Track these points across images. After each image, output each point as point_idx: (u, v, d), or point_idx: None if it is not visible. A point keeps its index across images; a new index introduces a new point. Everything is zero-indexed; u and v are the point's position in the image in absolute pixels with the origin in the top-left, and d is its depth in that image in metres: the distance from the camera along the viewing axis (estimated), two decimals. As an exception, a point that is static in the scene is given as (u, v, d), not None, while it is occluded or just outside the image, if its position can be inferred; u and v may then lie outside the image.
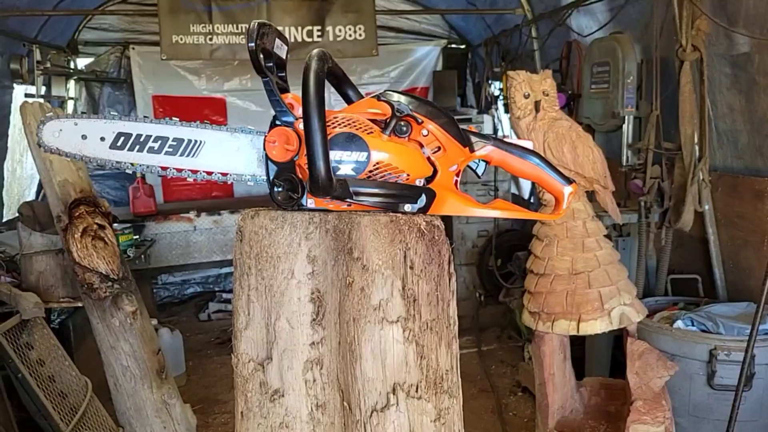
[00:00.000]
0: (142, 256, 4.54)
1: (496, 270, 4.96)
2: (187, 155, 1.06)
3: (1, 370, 3.06)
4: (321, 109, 0.90)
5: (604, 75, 3.38)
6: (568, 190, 1.04)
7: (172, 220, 4.85)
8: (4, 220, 4.41)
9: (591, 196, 2.48)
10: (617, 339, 3.27)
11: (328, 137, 0.92)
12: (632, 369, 2.34)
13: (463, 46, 6.56)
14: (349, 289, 0.90)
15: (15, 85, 4.41)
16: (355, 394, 0.89)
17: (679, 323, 2.81)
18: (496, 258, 5.04)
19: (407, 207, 0.96)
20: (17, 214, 3.50)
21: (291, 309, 0.93)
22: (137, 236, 4.57)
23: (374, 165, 0.95)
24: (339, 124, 0.97)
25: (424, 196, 0.97)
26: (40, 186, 4.84)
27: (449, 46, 6.46)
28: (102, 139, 1.08)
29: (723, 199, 3.06)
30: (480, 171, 1.06)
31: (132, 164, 1.06)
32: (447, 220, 5.46)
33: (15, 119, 4.26)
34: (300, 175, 0.95)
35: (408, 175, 0.97)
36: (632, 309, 2.34)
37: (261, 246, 0.94)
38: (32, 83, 4.60)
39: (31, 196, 4.90)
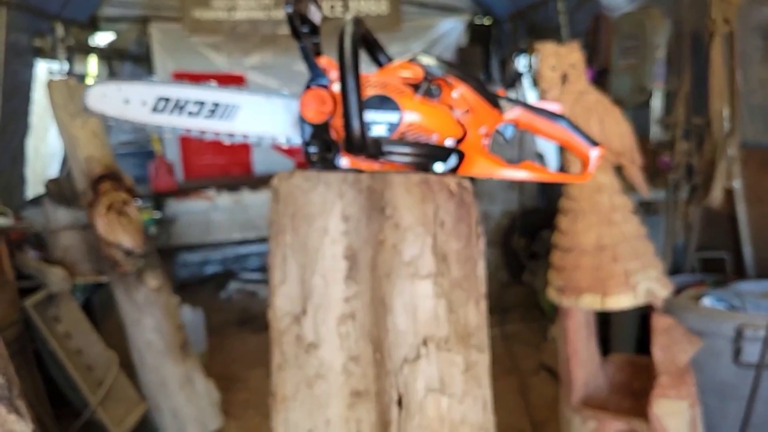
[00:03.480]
0: (164, 234, 4.59)
1: (521, 250, 4.94)
2: (225, 119, 1.09)
3: (31, 343, 3.12)
4: (356, 70, 0.92)
5: (633, 49, 3.32)
6: (594, 152, 1.03)
7: (192, 198, 4.89)
8: (28, 198, 4.47)
9: (618, 170, 2.45)
10: (643, 318, 3.24)
11: (362, 99, 0.93)
12: (657, 344, 2.32)
13: (487, 21, 6.45)
14: (381, 246, 0.90)
15: (38, 62, 4.45)
16: (387, 346, 0.90)
17: (705, 301, 2.77)
18: (521, 238, 5.02)
19: (437, 167, 0.96)
20: (43, 191, 3.55)
21: (325, 265, 0.93)
22: (158, 213, 4.62)
23: (406, 126, 0.95)
24: (372, 86, 0.98)
25: (453, 157, 0.97)
26: (63, 164, 4.90)
27: (474, 20, 6.37)
28: (143, 103, 1.12)
29: (753, 176, 3.01)
30: (508, 135, 1.06)
31: (173, 128, 1.09)
32: (468, 200, 5.44)
33: (38, 96, 4.30)
34: (334, 136, 0.96)
35: (438, 135, 0.97)
36: (658, 284, 2.31)
37: (296, 205, 0.94)
38: (55, 59, 4.64)
39: (53, 173, 4.96)
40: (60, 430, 3.13)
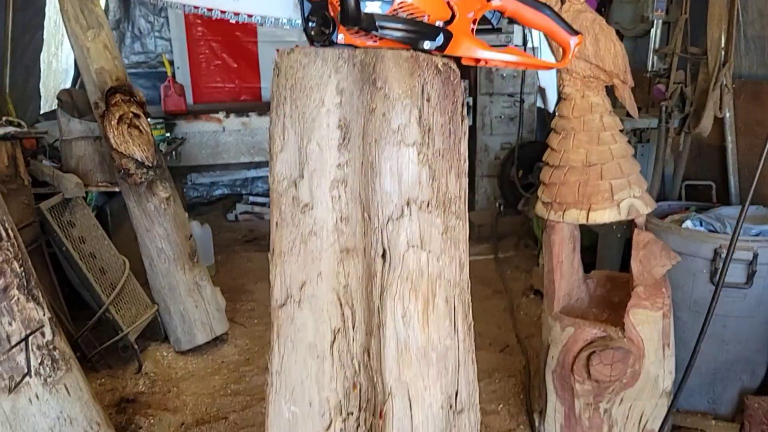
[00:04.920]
0: (173, 153, 4.72)
1: (517, 180, 5.06)
2: (231, -1, 1.17)
3: (48, 247, 3.30)
4: None
5: (634, -22, 3.35)
6: (574, 40, 1.14)
7: (201, 120, 4.99)
8: (42, 112, 4.58)
9: (610, 91, 2.54)
10: (628, 242, 3.39)
11: None
12: (636, 257, 2.46)
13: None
14: (372, 115, 1.02)
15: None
16: (374, 206, 1.03)
17: (688, 223, 2.91)
18: (518, 169, 5.13)
19: (426, 44, 1.07)
20: (56, 102, 3.65)
21: (321, 134, 1.05)
22: (168, 134, 4.73)
23: (398, 4, 1.05)
24: None
25: (442, 36, 1.07)
26: (75, 79, 4.98)
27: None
28: None
29: (744, 107, 3.09)
30: (495, 21, 1.16)
31: (184, 5, 1.18)
32: (471, 133, 5.52)
33: (50, 11, 4.34)
34: (331, 13, 1.06)
35: (428, 15, 1.07)
36: (641, 201, 2.44)
37: (295, 78, 1.06)
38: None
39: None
40: (75, 329, 3.35)
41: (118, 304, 3.34)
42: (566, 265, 2.66)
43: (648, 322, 2.46)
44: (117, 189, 3.53)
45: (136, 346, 3.34)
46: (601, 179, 2.40)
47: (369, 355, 1.07)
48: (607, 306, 2.74)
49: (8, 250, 2.38)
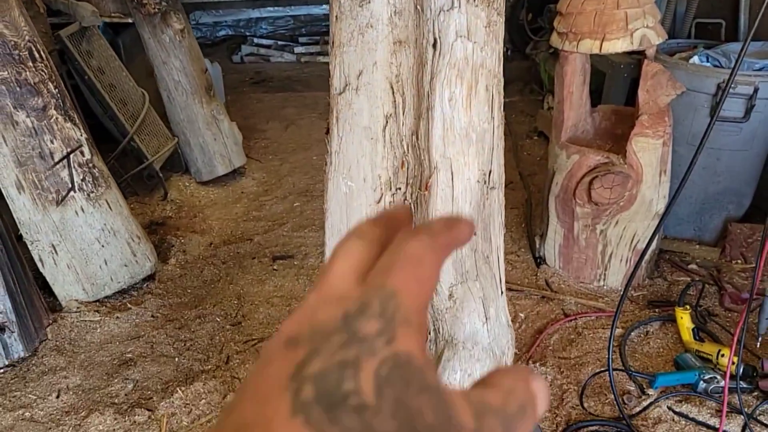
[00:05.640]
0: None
1: (527, 24, 5.02)
2: None
3: (70, 79, 3.35)
4: None
5: None
6: None
7: (205, -47, 4.84)
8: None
9: None
10: (633, 82, 3.48)
11: None
12: (644, 87, 2.59)
13: None
14: None
15: None
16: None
17: (695, 59, 3.00)
18: (528, 12, 5.07)
19: None
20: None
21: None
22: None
23: None
24: None
25: None
26: None
27: None
28: None
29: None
30: None
31: None
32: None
33: None
34: None
35: None
36: (653, 32, 2.51)
37: None
38: None
39: None
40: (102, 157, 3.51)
41: (141, 134, 3.48)
42: (576, 97, 2.78)
43: (648, 149, 2.64)
44: (130, 20, 3.53)
45: (161, 175, 3.52)
46: (617, 8, 2.46)
47: (417, 137, 1.23)
48: (611, 137, 2.90)
49: (42, 70, 2.47)
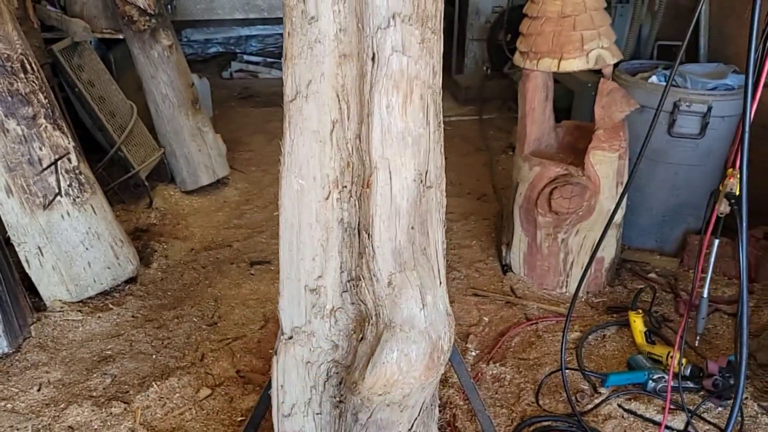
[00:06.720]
0: (169, 6, 4.80)
1: (505, 44, 5.21)
2: None
3: (60, 91, 3.50)
4: None
5: None
6: None
7: (196, -27, 5.03)
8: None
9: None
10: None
11: None
12: (599, 103, 2.75)
13: None
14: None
15: None
16: (366, 18, 1.28)
17: (653, 78, 3.17)
18: (507, 33, 5.26)
19: None
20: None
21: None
22: (164, -14, 4.79)
23: None
24: None
25: None
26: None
27: None
28: None
29: (720, -31, 3.25)
30: None
31: None
32: (463, -5, 5.57)
33: None
34: None
35: None
36: (608, 52, 2.68)
37: None
38: None
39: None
40: (89, 167, 3.65)
41: (128, 144, 3.62)
42: (538, 112, 2.94)
43: (605, 162, 2.79)
44: (121, 36, 3.69)
45: (146, 183, 3.66)
46: (573, 30, 2.63)
47: (360, 140, 1.38)
48: (573, 151, 3.06)
49: (33, 81, 2.62)
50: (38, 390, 2.41)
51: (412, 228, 1.43)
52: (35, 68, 2.65)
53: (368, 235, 1.40)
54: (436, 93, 1.42)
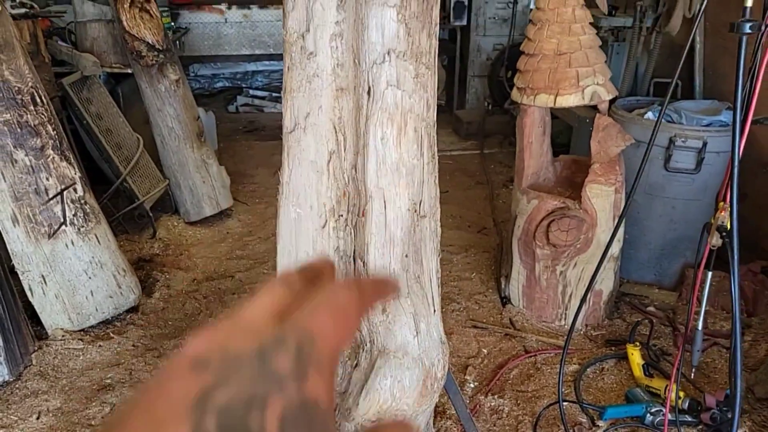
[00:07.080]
0: (177, 42, 4.93)
1: (506, 80, 5.31)
2: None
3: (70, 124, 3.59)
4: None
5: None
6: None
7: (204, 10, 5.16)
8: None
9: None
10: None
11: None
12: (595, 138, 2.80)
13: None
14: (362, -19, 1.32)
15: None
16: (363, 54, 1.34)
17: (649, 114, 3.23)
18: (507, 69, 5.37)
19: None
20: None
21: (322, -5, 1.35)
22: (172, 23, 4.93)
23: None
24: None
25: None
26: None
27: None
28: None
29: (713, 9, 3.33)
30: None
31: None
32: (465, 33, 5.71)
33: None
34: None
35: None
36: (603, 88, 2.74)
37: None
38: None
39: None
40: (95, 197, 3.71)
41: (134, 176, 3.69)
42: (536, 147, 2.99)
43: (602, 196, 2.83)
44: (129, 70, 3.79)
45: (150, 214, 3.72)
46: (569, 67, 2.70)
47: (356, 170, 1.43)
48: (570, 185, 3.10)
49: (42, 114, 2.69)
50: (37, 418, 2.42)
51: (406, 256, 1.46)
52: (45, 101, 2.73)
53: (363, 262, 1.43)
54: (430, 126, 1.47)
